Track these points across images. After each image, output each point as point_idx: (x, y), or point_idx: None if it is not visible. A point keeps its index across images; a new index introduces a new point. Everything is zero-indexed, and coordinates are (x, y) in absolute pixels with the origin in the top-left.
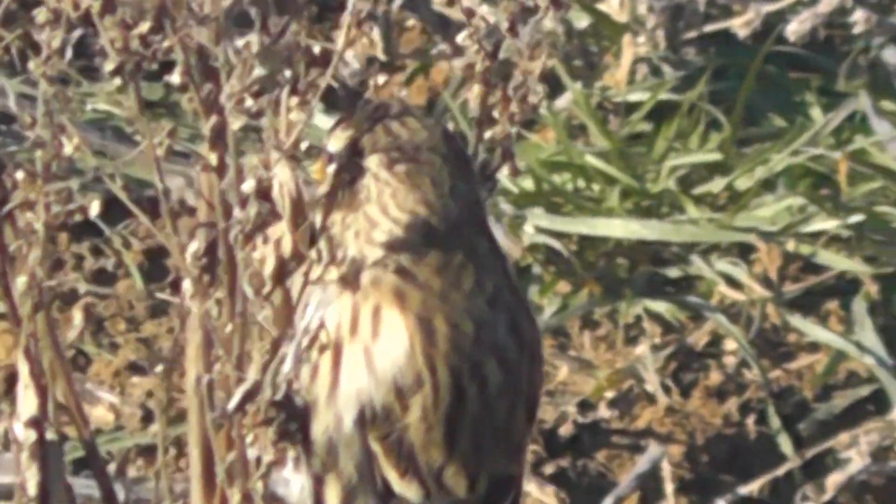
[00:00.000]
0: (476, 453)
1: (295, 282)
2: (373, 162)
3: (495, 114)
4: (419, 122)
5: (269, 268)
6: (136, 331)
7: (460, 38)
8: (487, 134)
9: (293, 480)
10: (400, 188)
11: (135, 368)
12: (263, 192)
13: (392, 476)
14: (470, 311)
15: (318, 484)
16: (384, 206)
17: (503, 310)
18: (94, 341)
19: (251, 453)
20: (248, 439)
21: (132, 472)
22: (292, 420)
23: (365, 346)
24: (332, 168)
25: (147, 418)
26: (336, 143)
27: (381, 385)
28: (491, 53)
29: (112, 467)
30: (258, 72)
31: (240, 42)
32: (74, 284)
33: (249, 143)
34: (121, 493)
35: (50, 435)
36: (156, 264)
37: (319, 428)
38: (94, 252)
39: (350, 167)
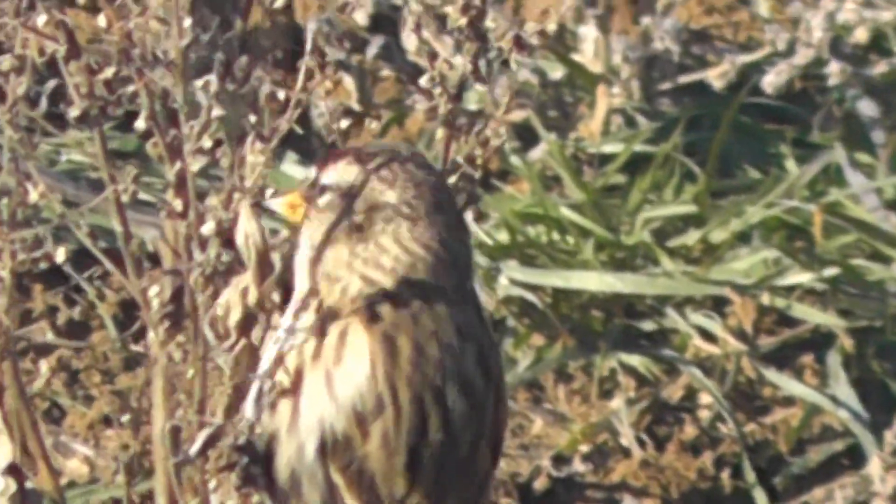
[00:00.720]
0: (438, 487)
1: (258, 331)
2: (393, 196)
3: (459, 158)
4: (425, 161)
5: (233, 318)
6: (111, 383)
7: (423, 80)
8: (451, 179)
9: None
10: (420, 223)
11: (109, 421)
12: (228, 240)
13: None
14: (438, 336)
15: None
16: (398, 237)
17: (472, 341)
18: (68, 393)
19: (215, 500)
20: (212, 485)
21: None
22: (255, 464)
23: (326, 371)
24: (325, 200)
25: (129, 472)
26: (344, 175)
27: (342, 410)
28: (453, 96)
29: None
30: (216, 112)
31: (198, 82)
32: (46, 336)
33: (214, 188)
34: None
35: (30, 484)
36: (130, 315)
37: (282, 461)
38: (68, 303)
39: (358, 201)
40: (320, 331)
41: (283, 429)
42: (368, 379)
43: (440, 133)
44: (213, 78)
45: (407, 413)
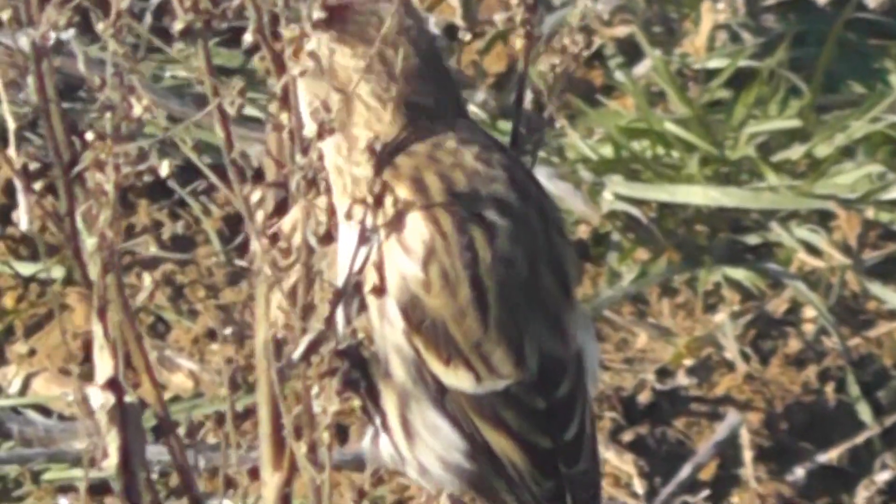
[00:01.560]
0: (512, 320)
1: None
2: (364, 90)
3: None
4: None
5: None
6: (216, 298)
7: None
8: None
9: (378, 440)
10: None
11: (214, 335)
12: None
13: (438, 369)
14: (460, 165)
15: (385, 419)
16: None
17: (498, 167)
18: (173, 308)
19: (317, 406)
20: (314, 391)
21: (212, 439)
22: (356, 369)
23: (398, 234)
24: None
25: (233, 385)
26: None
27: (415, 255)
28: (531, 6)
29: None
30: (318, 14)
31: None
32: (150, 250)
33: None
34: (195, 460)
35: (129, 398)
36: (235, 230)
37: (377, 343)
38: (174, 218)
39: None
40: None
41: (376, 315)
42: (419, 224)
43: (519, 43)
44: None
45: (453, 238)
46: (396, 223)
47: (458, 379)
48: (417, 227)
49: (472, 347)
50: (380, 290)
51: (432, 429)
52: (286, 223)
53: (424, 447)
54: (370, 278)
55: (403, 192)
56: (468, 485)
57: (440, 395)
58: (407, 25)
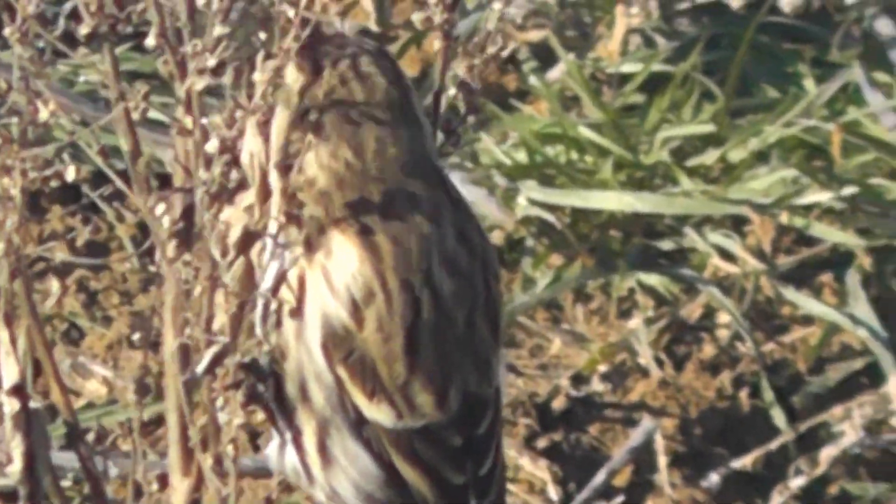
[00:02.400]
0: (440, 366)
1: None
2: (329, 119)
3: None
4: (374, 68)
5: (233, 236)
6: (130, 304)
7: None
8: (451, 91)
9: (274, 446)
10: (368, 123)
11: (128, 342)
12: (235, 159)
13: (361, 401)
14: (412, 225)
15: (298, 433)
16: (345, 138)
17: (447, 224)
18: (87, 314)
19: (223, 417)
20: (219, 403)
21: (126, 446)
22: (261, 382)
23: (322, 266)
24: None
25: (143, 391)
26: (292, 76)
27: (339, 297)
28: (449, 6)
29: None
30: (219, 31)
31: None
32: (62, 256)
33: (218, 107)
34: (104, 466)
35: (34, 404)
36: (148, 236)
37: (291, 366)
38: (87, 224)
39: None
40: (307, 242)
41: (292, 337)
42: (358, 268)
43: (436, 44)
44: None
45: (397, 297)
46: (327, 260)
47: (379, 413)
48: (364, 274)
49: (397, 388)
50: (295, 313)
51: (352, 457)
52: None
53: (341, 473)
54: (287, 302)
55: (350, 244)
56: None
57: (360, 425)
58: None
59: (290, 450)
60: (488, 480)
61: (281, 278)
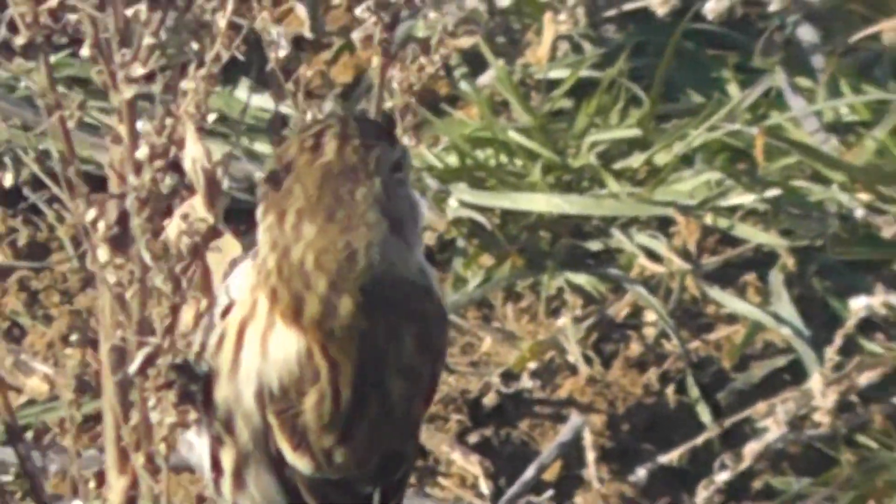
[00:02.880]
0: (370, 442)
1: (211, 256)
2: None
3: (395, 85)
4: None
5: (184, 242)
6: (70, 303)
7: (358, 10)
8: (388, 104)
9: (196, 443)
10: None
11: (69, 340)
12: (176, 165)
13: (285, 447)
14: (374, 325)
15: (217, 444)
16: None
17: (412, 321)
18: (28, 313)
19: (155, 417)
20: (151, 403)
21: (67, 442)
22: (193, 383)
23: (262, 334)
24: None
25: (81, 389)
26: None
27: (274, 372)
28: (388, 25)
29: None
30: (148, 41)
31: (129, 11)
32: (6, 257)
33: (148, 115)
34: (43, 463)
35: None
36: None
37: (220, 395)
38: (29, 225)
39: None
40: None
41: (224, 371)
42: (300, 357)
43: (375, 61)
44: (142, 6)
45: (346, 399)
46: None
47: (300, 462)
48: (310, 362)
49: (322, 450)
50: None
51: (264, 490)
52: (171, 230)
53: (249, 499)
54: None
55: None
56: None
57: (280, 465)
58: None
59: (205, 451)
60: None
61: (228, 308)
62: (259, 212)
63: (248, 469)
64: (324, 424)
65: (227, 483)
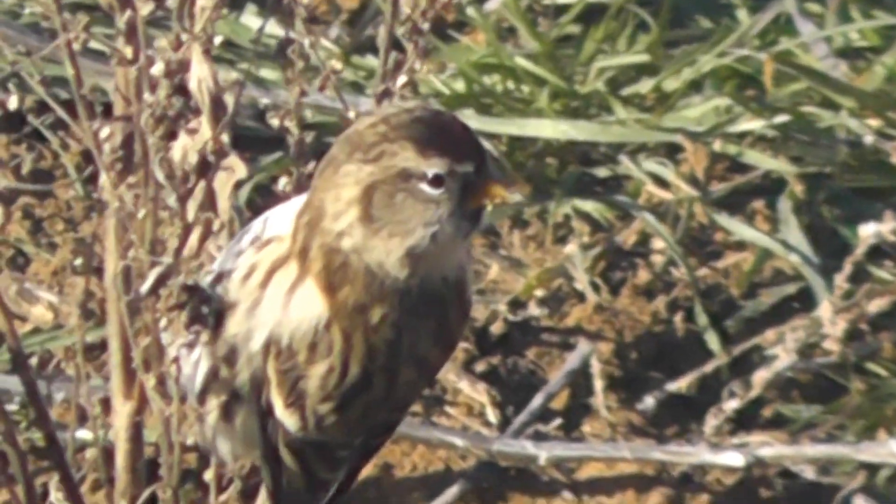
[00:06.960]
0: (364, 416)
1: (219, 176)
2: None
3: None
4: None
5: (191, 160)
6: (75, 231)
7: None
8: (401, 30)
9: (191, 360)
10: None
11: (73, 268)
12: (182, 88)
13: (277, 402)
14: (393, 320)
15: (214, 372)
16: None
17: (431, 317)
18: (32, 241)
19: (166, 338)
20: (162, 324)
21: (71, 370)
22: (204, 305)
23: (292, 284)
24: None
25: (86, 317)
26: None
27: (289, 330)
28: None
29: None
30: None
31: None
32: (10, 183)
33: (163, 34)
34: (48, 390)
35: None
36: (93, 164)
37: (232, 328)
38: (33, 152)
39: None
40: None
41: (245, 304)
42: (319, 325)
43: None
44: None
45: (353, 377)
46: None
47: (287, 419)
48: (326, 335)
49: (314, 415)
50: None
51: (249, 431)
52: (176, 151)
53: (228, 433)
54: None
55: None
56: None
57: (266, 415)
58: None
59: (200, 373)
60: (353, 477)
61: (261, 246)
62: (321, 164)
63: (237, 406)
64: (324, 397)
65: (213, 411)
